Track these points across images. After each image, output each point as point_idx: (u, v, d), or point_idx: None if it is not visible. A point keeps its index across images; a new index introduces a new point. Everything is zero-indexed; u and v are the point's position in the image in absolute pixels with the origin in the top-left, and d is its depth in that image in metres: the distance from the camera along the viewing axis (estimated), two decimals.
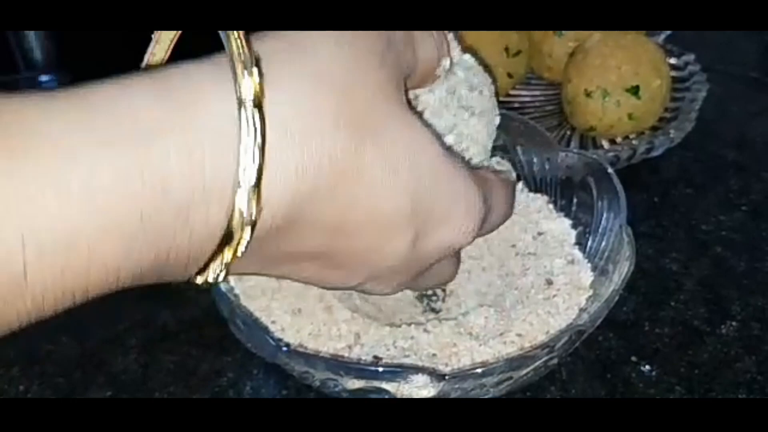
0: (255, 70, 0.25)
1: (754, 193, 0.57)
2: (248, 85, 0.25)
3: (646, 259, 0.51)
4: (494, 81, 0.40)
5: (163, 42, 0.32)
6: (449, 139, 0.36)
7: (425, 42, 0.33)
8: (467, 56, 0.37)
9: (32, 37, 0.72)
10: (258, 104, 0.25)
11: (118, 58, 0.80)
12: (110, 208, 0.23)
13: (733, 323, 0.47)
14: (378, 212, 0.29)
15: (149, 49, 0.31)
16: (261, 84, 0.25)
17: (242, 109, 0.24)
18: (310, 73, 0.27)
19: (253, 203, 0.25)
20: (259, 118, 0.24)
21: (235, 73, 0.25)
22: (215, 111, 0.25)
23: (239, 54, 0.25)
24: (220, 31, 0.26)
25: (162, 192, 0.24)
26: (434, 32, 0.34)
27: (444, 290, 0.48)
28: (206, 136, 0.24)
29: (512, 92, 0.68)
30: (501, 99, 0.67)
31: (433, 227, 0.31)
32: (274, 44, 0.27)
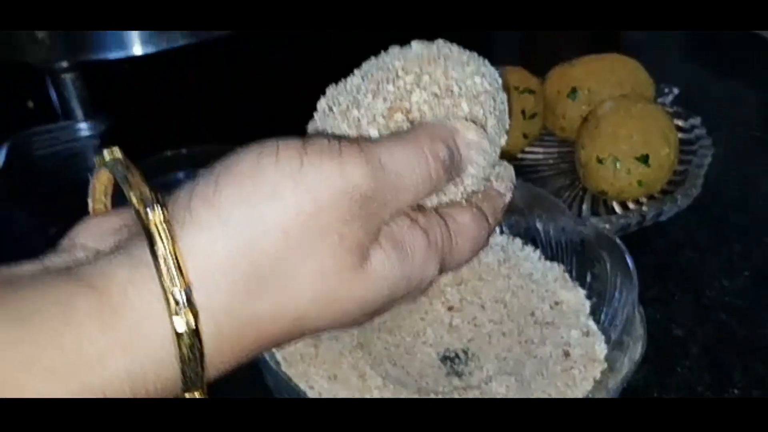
0: (184, 301, 0.25)
1: (755, 257, 0.61)
2: (180, 322, 0.25)
3: (655, 325, 0.55)
4: (507, 93, 0.36)
5: (100, 186, 0.34)
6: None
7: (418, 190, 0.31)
8: (476, 79, 0.34)
9: (70, 87, 0.76)
10: (194, 333, 0.26)
11: (151, 106, 0.84)
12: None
13: (735, 390, 0.50)
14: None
15: (89, 194, 0.33)
16: (194, 312, 0.26)
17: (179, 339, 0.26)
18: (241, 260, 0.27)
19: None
20: (197, 342, 0.26)
21: (168, 304, 0.26)
22: (155, 337, 0.26)
23: (169, 284, 0.25)
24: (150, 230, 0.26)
25: (122, 392, 0.25)
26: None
27: (466, 353, 0.52)
28: (150, 367, 0.26)
29: (527, 149, 0.72)
30: (516, 156, 0.71)
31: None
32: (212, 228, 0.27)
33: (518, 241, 0.56)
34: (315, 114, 0.33)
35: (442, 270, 0.33)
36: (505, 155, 0.65)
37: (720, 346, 0.54)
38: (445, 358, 0.51)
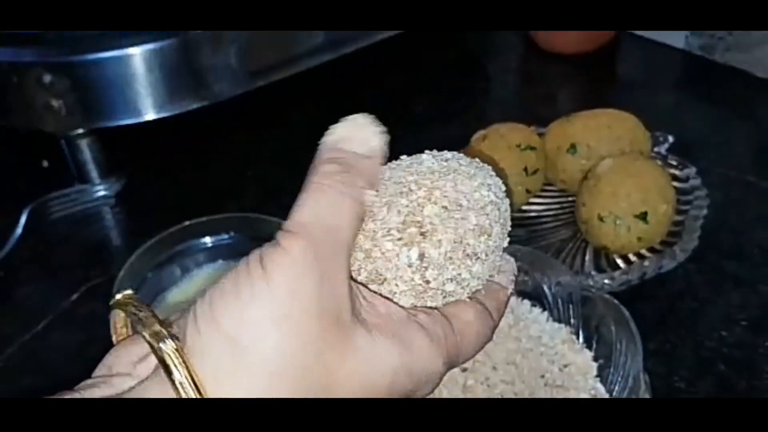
0: None
1: (752, 307, 0.64)
2: None
3: (658, 378, 0.58)
4: (510, 196, 0.37)
5: (119, 321, 0.36)
6: (449, 287, 0.34)
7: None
8: (483, 192, 0.35)
9: (85, 150, 0.78)
10: None
11: (163, 169, 0.86)
12: None
13: None
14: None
15: (111, 330, 0.35)
16: None
17: None
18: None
19: None
20: None
21: None
22: None
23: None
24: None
25: None
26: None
27: None
28: None
29: (531, 200, 0.74)
30: (519, 209, 0.73)
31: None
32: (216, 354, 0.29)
33: (527, 303, 0.59)
34: None
35: (450, 366, 0.34)
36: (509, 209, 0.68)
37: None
38: None
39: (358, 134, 0.34)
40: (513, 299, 0.59)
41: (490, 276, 0.36)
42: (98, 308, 0.65)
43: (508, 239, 0.36)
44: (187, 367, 0.28)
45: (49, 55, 0.72)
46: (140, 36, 0.72)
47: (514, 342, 0.57)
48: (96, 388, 0.30)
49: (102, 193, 0.81)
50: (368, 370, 0.31)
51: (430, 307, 0.34)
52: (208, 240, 0.65)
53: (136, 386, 0.29)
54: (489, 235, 0.34)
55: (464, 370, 0.56)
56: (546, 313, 0.58)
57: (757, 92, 0.92)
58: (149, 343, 0.29)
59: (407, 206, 0.33)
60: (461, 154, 0.36)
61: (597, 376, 0.53)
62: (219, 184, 0.84)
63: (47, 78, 0.71)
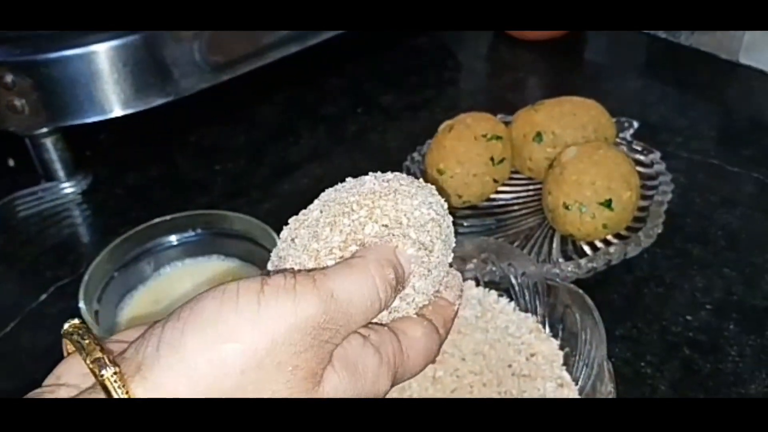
0: None
1: (716, 290, 0.64)
2: None
3: (625, 363, 0.59)
4: (448, 212, 0.37)
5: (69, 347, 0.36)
6: (394, 303, 0.35)
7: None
8: (423, 210, 0.35)
9: (51, 150, 0.78)
10: None
11: (130, 165, 0.86)
12: None
13: None
14: None
15: (64, 350, 0.36)
16: None
17: None
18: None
19: None
20: None
21: None
22: None
23: None
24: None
25: None
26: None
27: None
28: None
29: (498, 189, 0.75)
30: (488, 198, 0.74)
31: None
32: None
33: (494, 294, 0.59)
34: (278, 242, 0.36)
35: (395, 383, 0.35)
36: (478, 198, 0.69)
37: (686, 382, 0.57)
38: None
39: (420, 259, 0.35)
40: (480, 290, 0.60)
41: (437, 291, 0.37)
42: (67, 308, 0.65)
43: (452, 255, 0.37)
44: (127, 393, 0.28)
45: (10, 55, 0.71)
46: (103, 33, 0.72)
47: (481, 333, 0.57)
48: (39, 398, 0.30)
49: (69, 190, 0.80)
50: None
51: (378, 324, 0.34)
52: (174, 238, 0.65)
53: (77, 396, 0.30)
54: (431, 251, 0.35)
55: (433, 361, 0.57)
56: (513, 304, 0.58)
57: (722, 75, 0.93)
58: (91, 369, 0.29)
59: (349, 225, 0.34)
60: (403, 175, 0.37)
61: (563, 364, 0.54)
62: (186, 179, 0.83)
63: (9, 78, 0.70)
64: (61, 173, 0.80)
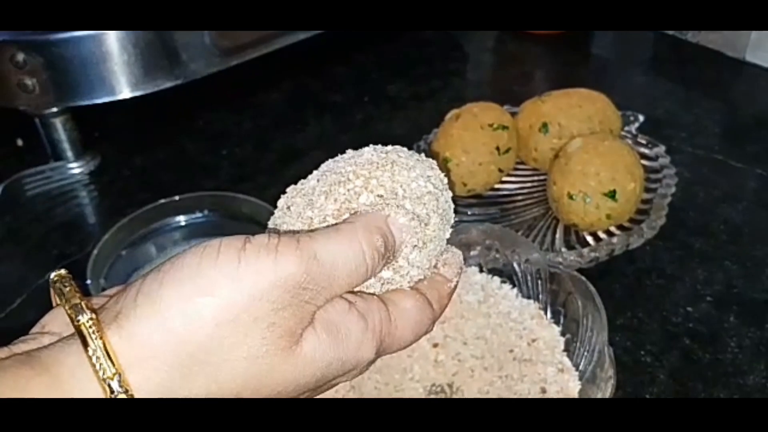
0: (117, 387, 0.28)
1: (717, 283, 0.65)
2: None
3: (625, 352, 0.59)
4: (449, 185, 0.37)
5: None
6: (386, 274, 0.35)
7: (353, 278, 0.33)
8: (420, 182, 0.35)
9: (60, 130, 0.78)
10: None
11: (137, 147, 0.86)
12: None
13: None
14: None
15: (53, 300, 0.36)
16: (130, 394, 0.29)
17: None
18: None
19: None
20: None
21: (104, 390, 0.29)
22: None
23: (101, 374, 0.29)
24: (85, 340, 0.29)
25: None
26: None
27: (451, 387, 0.55)
28: None
29: (503, 179, 0.75)
30: (492, 187, 0.74)
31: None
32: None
33: (497, 280, 0.60)
34: (275, 210, 0.36)
35: (381, 353, 0.35)
36: (483, 187, 0.69)
37: (686, 372, 0.58)
38: (431, 393, 0.55)
39: (413, 229, 0.34)
40: (483, 276, 0.61)
41: (435, 267, 0.37)
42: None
43: (450, 230, 0.37)
44: (101, 339, 0.29)
45: (22, 33, 0.71)
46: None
47: (484, 318, 0.58)
48: (23, 344, 0.31)
49: (77, 170, 0.81)
50: (305, 368, 0.32)
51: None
52: (182, 218, 0.65)
53: (56, 343, 0.30)
54: (426, 224, 0.35)
55: (435, 345, 0.58)
56: (515, 290, 0.59)
57: (728, 72, 0.94)
58: (68, 315, 0.29)
59: (344, 194, 0.34)
60: (403, 148, 0.37)
61: (564, 350, 0.55)
62: (193, 163, 0.84)
63: (20, 56, 0.71)
64: (69, 153, 0.80)
